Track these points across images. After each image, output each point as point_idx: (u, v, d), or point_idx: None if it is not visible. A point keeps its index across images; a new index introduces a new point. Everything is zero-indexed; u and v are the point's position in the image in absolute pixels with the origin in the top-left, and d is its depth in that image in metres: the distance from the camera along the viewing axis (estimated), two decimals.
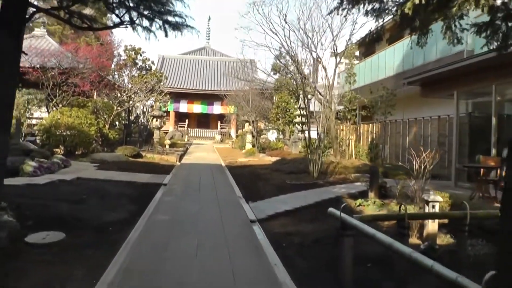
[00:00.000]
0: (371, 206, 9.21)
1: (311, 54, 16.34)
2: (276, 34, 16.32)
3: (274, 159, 21.12)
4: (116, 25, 6.54)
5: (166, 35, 6.11)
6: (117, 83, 23.65)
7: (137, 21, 5.82)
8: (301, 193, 11.40)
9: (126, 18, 5.85)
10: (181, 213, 9.25)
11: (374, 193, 9.88)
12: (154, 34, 6.06)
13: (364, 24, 15.89)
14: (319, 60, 16.33)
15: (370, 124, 23.30)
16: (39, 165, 13.20)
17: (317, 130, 15.16)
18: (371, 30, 8.46)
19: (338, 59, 17.34)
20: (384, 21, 7.94)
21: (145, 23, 5.95)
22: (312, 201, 10.00)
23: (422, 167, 7.72)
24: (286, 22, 15.86)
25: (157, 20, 5.77)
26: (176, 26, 5.87)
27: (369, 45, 10.95)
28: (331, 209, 5.43)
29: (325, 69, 16.80)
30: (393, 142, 20.49)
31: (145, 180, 13.56)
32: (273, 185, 13.12)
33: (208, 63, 53.78)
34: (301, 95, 15.54)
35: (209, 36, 61.98)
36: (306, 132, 15.53)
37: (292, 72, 19.20)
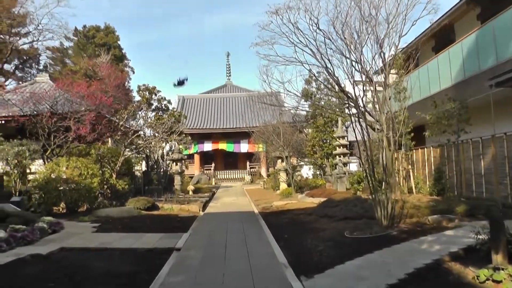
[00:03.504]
0: (510, 284, 5.44)
1: (354, 67, 12.79)
2: (306, 46, 12.86)
3: (317, 200, 17.37)
4: None
5: None
6: (120, 123, 20.35)
7: None
8: (376, 256, 7.60)
9: None
10: None
11: (502, 255, 6.07)
12: None
13: (415, 21, 12.22)
14: (365, 73, 12.77)
15: (425, 149, 19.45)
16: (10, 235, 9.95)
17: (361, 161, 11.52)
18: None
19: (387, 71, 13.74)
20: None
21: None
22: (402, 274, 6.22)
23: None
24: (319, 28, 12.30)
25: None
26: None
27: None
28: None
29: (373, 83, 13.19)
30: (459, 169, 16.56)
31: (152, 245, 10.02)
32: (328, 241, 9.40)
33: (231, 100, 50.88)
34: (352, 119, 11.95)
35: (229, 72, 59.54)
36: (351, 165, 11.88)
37: (329, 90, 15.67)
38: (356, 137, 11.93)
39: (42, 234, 11.05)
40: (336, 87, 13.42)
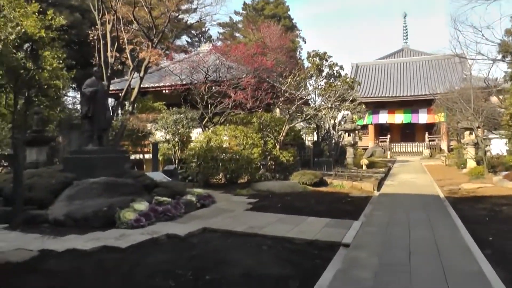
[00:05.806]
0: None
1: None
2: None
3: None
4: None
5: None
6: (283, 88, 18.82)
7: None
8: None
9: None
10: None
11: None
12: None
13: None
14: None
15: None
16: (151, 208, 8.76)
17: None
18: None
19: None
20: None
21: None
22: None
23: None
24: None
25: None
26: None
27: None
28: None
29: None
30: None
31: (313, 235, 7.81)
32: None
33: (408, 66, 46.40)
34: None
35: (406, 35, 54.61)
36: None
37: None
38: None
39: (189, 208, 9.88)
40: None
